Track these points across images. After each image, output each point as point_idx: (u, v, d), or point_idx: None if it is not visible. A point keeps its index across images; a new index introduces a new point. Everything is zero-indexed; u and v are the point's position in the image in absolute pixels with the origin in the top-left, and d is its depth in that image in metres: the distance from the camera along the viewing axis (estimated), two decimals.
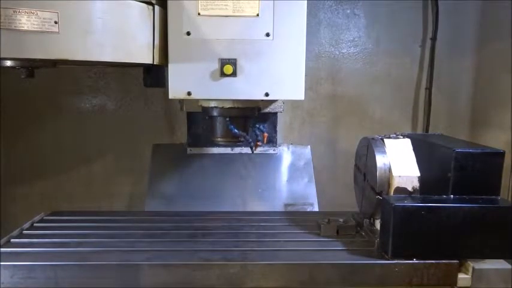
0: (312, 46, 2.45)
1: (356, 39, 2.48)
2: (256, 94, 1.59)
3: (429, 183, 1.43)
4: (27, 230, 1.59)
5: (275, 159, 2.13)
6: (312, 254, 1.40)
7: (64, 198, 2.46)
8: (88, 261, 1.33)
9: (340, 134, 2.54)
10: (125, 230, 1.60)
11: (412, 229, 1.31)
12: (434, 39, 2.44)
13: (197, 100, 1.75)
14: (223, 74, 1.54)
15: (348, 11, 2.45)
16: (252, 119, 1.84)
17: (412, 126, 2.56)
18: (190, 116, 2.10)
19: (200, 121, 2.09)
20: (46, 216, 1.76)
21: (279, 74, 1.57)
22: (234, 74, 1.54)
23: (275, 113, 2.08)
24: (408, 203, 1.33)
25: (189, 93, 1.58)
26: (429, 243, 1.32)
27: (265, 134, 1.89)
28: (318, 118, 2.53)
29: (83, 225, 1.64)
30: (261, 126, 1.89)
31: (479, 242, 1.32)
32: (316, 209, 2.00)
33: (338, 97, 2.51)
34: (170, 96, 1.59)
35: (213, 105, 1.71)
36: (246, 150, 2.11)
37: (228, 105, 1.70)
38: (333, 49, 2.48)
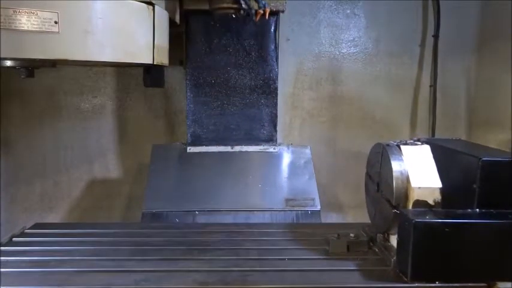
0: (312, 46, 2.45)
1: (356, 39, 2.48)
2: None
3: (451, 196, 1.28)
4: (5, 245, 1.46)
5: (275, 157, 2.13)
6: (320, 275, 1.28)
7: (64, 198, 2.46)
8: (69, 284, 1.21)
9: (340, 134, 2.54)
10: (112, 246, 1.47)
11: (434, 248, 1.18)
12: (436, 37, 2.44)
13: None
14: None
15: (348, 11, 2.45)
16: None
17: (411, 126, 2.56)
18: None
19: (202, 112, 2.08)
20: (28, 229, 1.63)
21: None
22: None
23: (276, 14, 2.02)
24: (430, 219, 1.19)
25: None
26: (453, 264, 1.20)
27: (267, 9, 1.84)
28: (318, 118, 2.53)
29: (67, 240, 1.51)
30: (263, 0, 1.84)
31: (509, 262, 1.19)
32: (317, 204, 1.99)
33: (338, 97, 2.51)
34: None
35: None
36: (246, 148, 2.12)
37: None
38: (333, 49, 2.48)
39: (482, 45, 2.48)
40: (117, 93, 2.42)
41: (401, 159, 1.32)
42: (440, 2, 2.41)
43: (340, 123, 2.53)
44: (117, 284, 1.21)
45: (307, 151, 2.17)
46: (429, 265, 1.20)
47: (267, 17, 1.85)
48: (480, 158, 1.22)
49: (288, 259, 1.38)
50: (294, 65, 2.47)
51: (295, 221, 1.94)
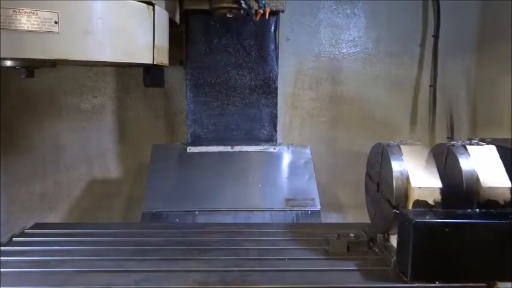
0: (312, 46, 2.45)
1: (356, 39, 2.48)
2: None
3: (451, 196, 1.27)
4: (5, 245, 1.46)
5: (275, 157, 2.13)
6: (320, 275, 1.28)
7: (64, 198, 2.46)
8: (69, 284, 1.20)
9: (340, 134, 2.54)
10: (112, 246, 1.46)
11: (434, 248, 1.18)
12: (436, 37, 2.44)
13: None
14: None
15: (348, 11, 2.45)
16: None
17: (411, 126, 2.56)
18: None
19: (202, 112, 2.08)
20: (28, 229, 1.63)
21: None
22: None
23: (276, 14, 2.02)
24: (430, 219, 1.18)
25: None
26: (453, 264, 1.19)
27: (267, 9, 1.84)
28: (318, 118, 2.53)
29: (67, 240, 1.51)
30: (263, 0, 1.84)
31: (509, 262, 1.18)
32: (317, 204, 1.99)
33: (338, 97, 2.51)
34: None
35: None
36: (246, 148, 2.12)
37: None
38: (333, 49, 2.48)
39: (482, 45, 2.48)
40: (117, 93, 2.42)
41: (401, 159, 1.32)
42: (440, 2, 2.41)
43: (340, 123, 2.53)
44: (117, 284, 1.21)
45: (307, 151, 2.17)
46: (429, 265, 1.19)
47: (267, 16, 1.85)
48: None
49: (288, 259, 1.38)
50: (294, 65, 2.47)
51: (295, 221, 1.94)
